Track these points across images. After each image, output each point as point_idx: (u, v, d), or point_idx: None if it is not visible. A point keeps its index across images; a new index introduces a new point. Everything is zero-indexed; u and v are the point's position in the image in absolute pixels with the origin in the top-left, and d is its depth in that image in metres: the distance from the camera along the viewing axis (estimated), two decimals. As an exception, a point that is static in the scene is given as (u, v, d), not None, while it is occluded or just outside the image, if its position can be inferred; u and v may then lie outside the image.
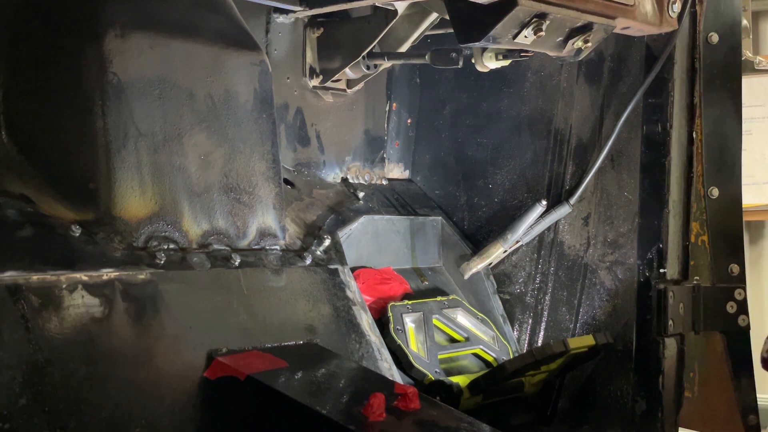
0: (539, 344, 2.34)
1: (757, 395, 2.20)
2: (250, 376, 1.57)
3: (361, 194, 2.30)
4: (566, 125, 2.35)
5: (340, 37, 2.21)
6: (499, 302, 2.42)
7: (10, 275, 1.44)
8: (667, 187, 2.16)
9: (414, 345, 2.10)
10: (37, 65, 1.68)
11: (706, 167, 2.21)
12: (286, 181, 2.14)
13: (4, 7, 1.70)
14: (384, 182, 2.48)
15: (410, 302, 2.18)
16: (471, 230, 2.50)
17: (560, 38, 1.85)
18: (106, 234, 1.62)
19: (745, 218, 2.28)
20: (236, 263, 1.77)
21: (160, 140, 1.70)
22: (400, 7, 2.06)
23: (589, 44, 1.89)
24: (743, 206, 2.25)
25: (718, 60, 2.22)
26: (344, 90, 2.35)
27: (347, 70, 2.24)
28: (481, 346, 2.23)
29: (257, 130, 1.87)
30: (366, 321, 1.95)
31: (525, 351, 2.33)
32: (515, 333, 2.39)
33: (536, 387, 2.18)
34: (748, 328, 2.17)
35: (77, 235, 1.58)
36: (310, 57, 2.26)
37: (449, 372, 2.12)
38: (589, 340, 2.11)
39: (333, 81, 2.29)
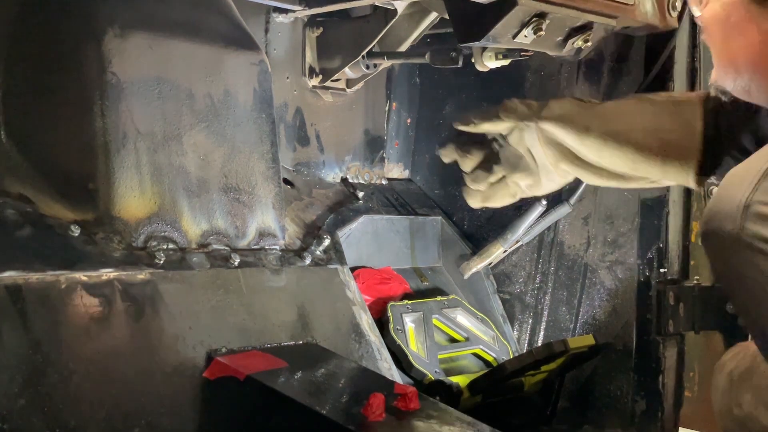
0: (539, 344, 2.34)
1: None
2: (250, 376, 1.57)
3: (360, 194, 2.30)
4: (566, 125, 2.34)
5: (339, 37, 2.21)
6: (499, 302, 2.41)
7: (9, 275, 1.44)
8: (667, 186, 2.16)
9: (414, 345, 2.09)
10: (37, 65, 1.68)
11: (706, 166, 2.20)
12: (286, 181, 2.14)
13: (4, 7, 1.70)
14: (384, 182, 2.48)
15: (410, 302, 2.17)
16: (471, 230, 2.49)
17: (560, 38, 1.85)
18: (106, 234, 1.62)
19: (745, 218, 2.28)
20: (236, 263, 1.77)
21: (159, 140, 1.70)
22: (400, 7, 2.06)
23: (589, 43, 1.89)
24: (743, 206, 2.25)
25: (718, 60, 2.21)
26: (344, 89, 2.34)
27: (347, 69, 2.24)
28: (481, 346, 2.23)
29: (257, 129, 1.87)
30: (366, 321, 1.95)
31: (525, 351, 2.33)
32: (515, 333, 2.38)
33: (536, 387, 2.18)
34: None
35: (76, 235, 1.58)
36: (310, 56, 2.25)
37: (449, 372, 2.11)
38: (589, 340, 2.10)
39: (332, 80, 2.28)
